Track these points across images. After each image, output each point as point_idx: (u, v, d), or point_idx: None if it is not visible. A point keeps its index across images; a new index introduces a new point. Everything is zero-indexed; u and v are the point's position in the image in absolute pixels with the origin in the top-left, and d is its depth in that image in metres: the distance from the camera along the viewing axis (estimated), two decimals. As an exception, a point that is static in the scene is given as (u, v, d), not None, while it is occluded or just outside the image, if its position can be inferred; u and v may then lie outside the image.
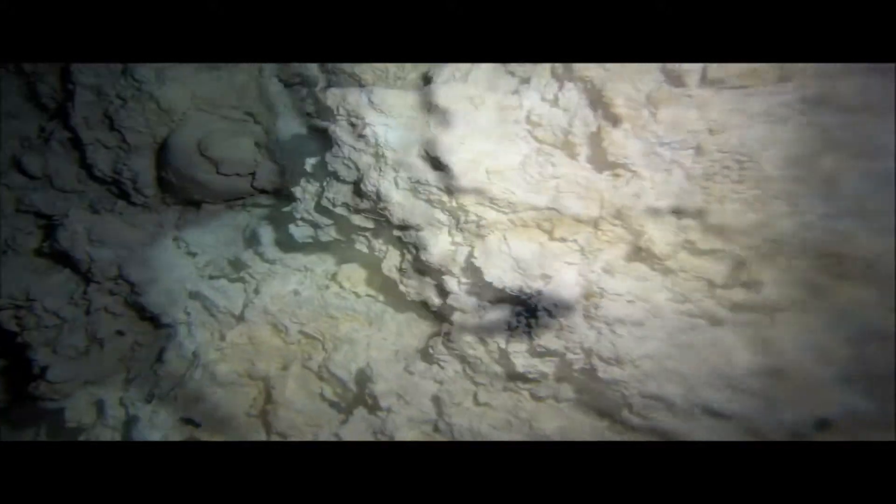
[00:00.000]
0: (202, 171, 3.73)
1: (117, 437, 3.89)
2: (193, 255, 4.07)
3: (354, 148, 2.30)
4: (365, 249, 2.88)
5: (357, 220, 2.60)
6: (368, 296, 3.16)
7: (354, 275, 3.19)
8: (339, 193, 2.48)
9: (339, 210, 2.57)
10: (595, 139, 2.07)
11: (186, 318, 3.96)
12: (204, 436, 3.40)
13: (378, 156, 2.23)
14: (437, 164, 2.13)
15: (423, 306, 2.79)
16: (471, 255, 2.17)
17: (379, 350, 2.97)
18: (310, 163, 2.76)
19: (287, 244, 3.52)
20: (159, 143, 4.14)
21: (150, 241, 3.96)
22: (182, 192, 3.98)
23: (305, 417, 3.20)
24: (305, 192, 2.86)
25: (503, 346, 2.27)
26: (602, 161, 2.07)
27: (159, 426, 3.46)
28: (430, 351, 2.53)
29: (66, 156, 4.67)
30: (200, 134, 3.81)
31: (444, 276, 2.35)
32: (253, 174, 3.78)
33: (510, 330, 2.27)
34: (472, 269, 2.22)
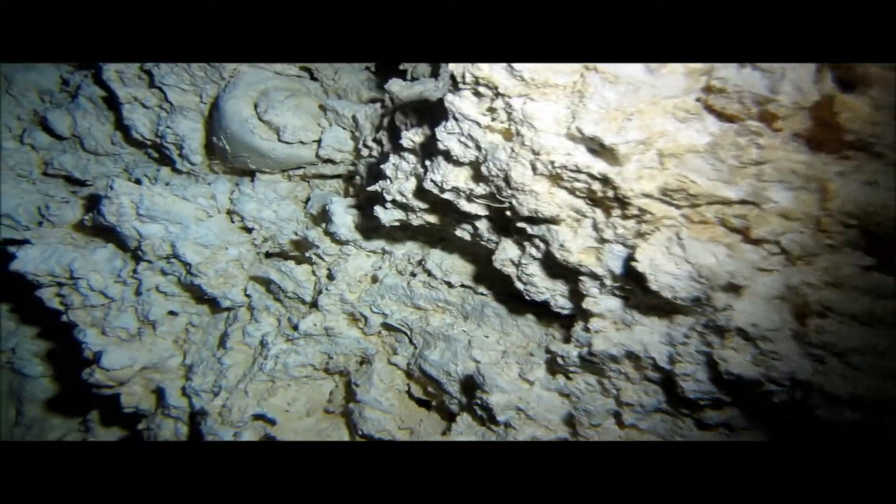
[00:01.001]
0: (261, 138, 3.27)
1: (182, 430, 3.62)
2: (249, 230, 3.67)
3: (478, 123, 1.82)
4: (467, 237, 2.44)
5: (467, 206, 2.14)
6: (465, 287, 2.75)
7: (447, 262, 2.78)
8: (450, 176, 2.02)
9: (448, 195, 2.12)
10: (819, 111, 1.59)
11: (248, 301, 3.61)
12: (280, 434, 3.10)
13: (512, 134, 1.75)
14: (594, 146, 1.65)
15: (538, 305, 2.37)
16: (630, 256, 1.73)
17: (482, 350, 2.59)
18: (408, 136, 2.29)
19: (362, 224, 3.10)
20: (207, 102, 3.69)
21: (203, 216, 3.56)
22: (235, 161, 3.55)
23: (395, 419, 2.87)
24: (399, 170, 2.40)
25: (664, 364, 1.87)
26: (828, 140, 1.59)
27: (231, 422, 3.16)
28: (560, 360, 2.13)
29: (98, 114, 4.24)
30: (255, 93, 3.34)
31: (582, 278, 1.92)
32: (318, 141, 3.32)
33: (673, 346, 1.85)
34: (629, 273, 1.79)
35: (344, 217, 3.11)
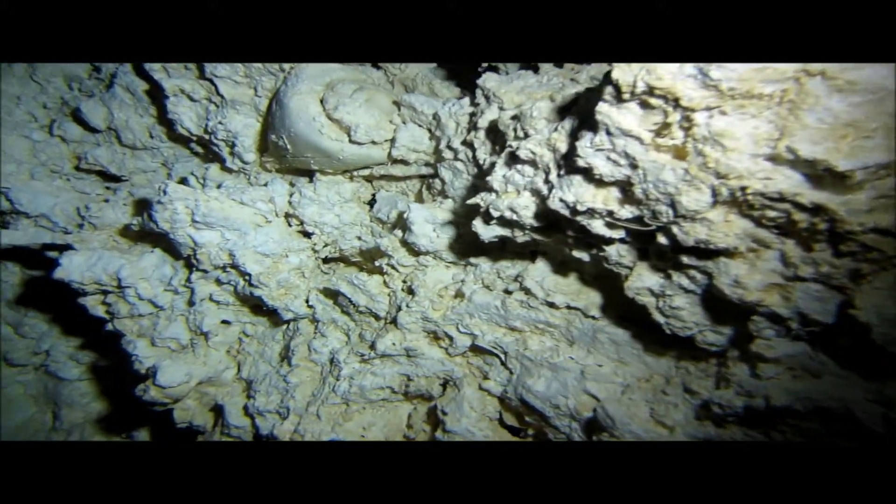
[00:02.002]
0: (330, 139, 2.95)
1: (244, 452, 3.38)
2: (308, 235, 3.38)
3: (640, 140, 1.51)
4: (586, 258, 2.14)
5: (601, 229, 1.84)
6: (572, 308, 2.46)
7: (549, 280, 2.48)
8: (586, 195, 1.72)
9: (581, 218, 1.82)
10: None
11: (311, 313, 3.34)
12: (357, 463, 2.85)
13: (688, 153, 1.44)
14: (810, 170, 1.35)
15: (665, 333, 2.08)
16: (847, 302, 1.43)
17: (598, 383, 2.30)
18: (527, 147, 1.97)
19: (445, 234, 2.80)
20: (263, 96, 3.37)
21: (262, 221, 3.26)
22: (296, 161, 3.24)
23: (490, 452, 2.60)
24: (509, 183, 2.09)
25: (877, 426, 1.58)
26: None
27: (302, 450, 2.91)
28: (716, 409, 1.84)
29: (136, 105, 3.92)
30: (321, 87, 3.01)
31: (755, 318, 1.63)
32: (392, 140, 3.01)
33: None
34: (840, 321, 1.49)
35: (424, 226, 2.81)
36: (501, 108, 2.44)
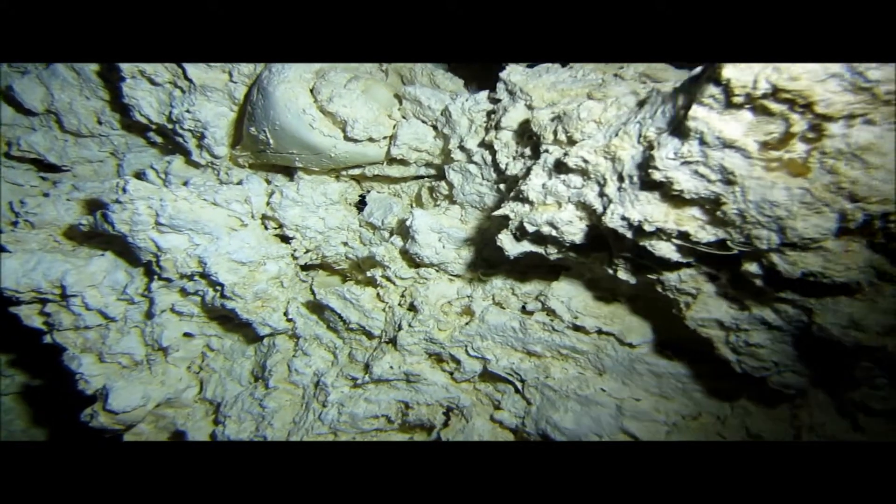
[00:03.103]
0: (322, 134, 2.54)
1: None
2: (288, 239, 2.96)
3: (746, 152, 1.21)
4: (632, 281, 1.84)
5: (669, 252, 1.55)
6: (603, 333, 2.16)
7: (577, 301, 2.17)
8: (657, 213, 1.42)
9: (645, 240, 1.52)
10: None
11: (291, 327, 2.92)
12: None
13: (811, 170, 1.16)
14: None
15: (730, 370, 1.81)
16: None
17: (637, 420, 2.02)
18: (579, 155, 1.66)
19: (451, 244, 2.46)
20: (240, 82, 2.90)
21: (237, 224, 2.81)
22: (276, 157, 2.81)
23: (505, 493, 2.28)
24: (550, 194, 1.77)
25: None
26: None
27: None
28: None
29: (82, 86, 3.38)
30: (311, 75, 2.59)
31: (868, 364, 1.37)
32: (391, 137, 2.62)
33: None
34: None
35: (429, 236, 2.45)
36: (530, 106, 2.11)
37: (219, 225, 2.74)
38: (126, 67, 2.90)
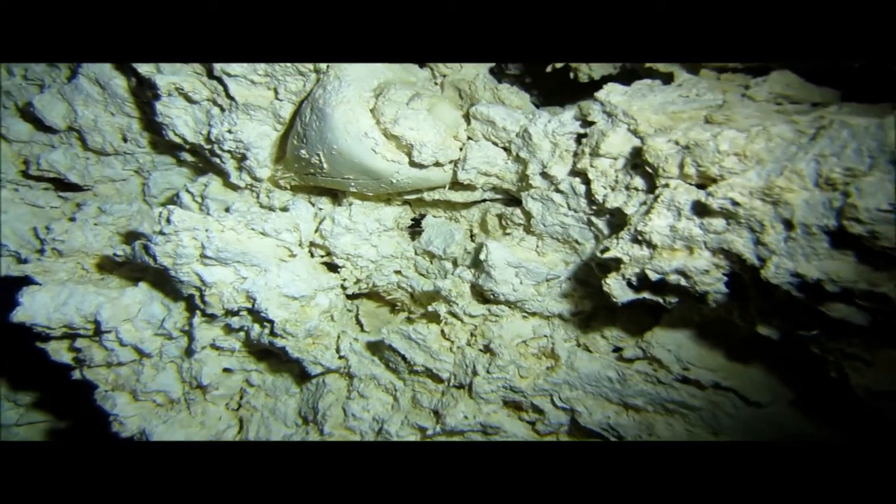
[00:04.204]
0: (384, 159, 2.23)
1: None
2: (337, 268, 2.67)
3: None
4: (774, 336, 1.55)
5: (849, 314, 1.25)
6: (720, 388, 1.87)
7: (686, 350, 1.88)
8: (846, 272, 1.12)
9: (826, 305, 1.22)
10: None
11: (345, 365, 2.62)
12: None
13: None
14: None
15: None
16: None
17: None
18: (727, 196, 1.37)
19: (529, 279, 2.16)
20: (285, 100, 2.59)
21: (286, 254, 2.52)
22: (328, 181, 2.51)
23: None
24: (678, 238, 1.48)
25: None
26: None
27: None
28: None
29: (107, 101, 3.06)
30: (369, 93, 2.29)
31: None
32: (457, 161, 2.32)
33: None
34: None
35: (506, 272, 2.15)
36: (635, 132, 1.81)
37: (267, 256, 2.45)
38: (162, 84, 2.59)
